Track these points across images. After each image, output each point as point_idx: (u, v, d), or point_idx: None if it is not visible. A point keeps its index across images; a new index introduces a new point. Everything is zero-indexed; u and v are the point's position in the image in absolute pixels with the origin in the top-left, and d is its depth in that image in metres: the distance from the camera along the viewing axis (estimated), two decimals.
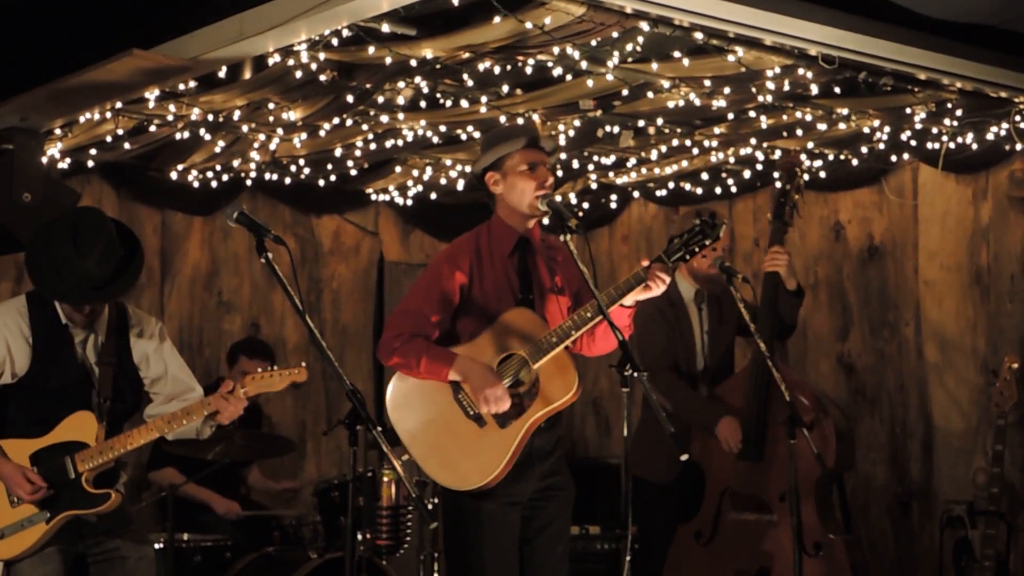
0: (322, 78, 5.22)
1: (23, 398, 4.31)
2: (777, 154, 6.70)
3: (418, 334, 4.25)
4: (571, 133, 6.28)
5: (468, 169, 7.10)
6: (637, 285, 4.18)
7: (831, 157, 6.89)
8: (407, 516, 6.21)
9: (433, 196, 7.94)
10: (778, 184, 5.64)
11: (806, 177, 7.02)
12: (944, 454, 6.81)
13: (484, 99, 5.66)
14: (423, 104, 5.83)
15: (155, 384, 4.48)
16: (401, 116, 5.93)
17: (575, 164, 7.14)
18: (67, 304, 4.29)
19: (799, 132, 6.29)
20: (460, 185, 7.56)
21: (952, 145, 6.41)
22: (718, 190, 7.49)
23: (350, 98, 5.48)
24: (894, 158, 6.85)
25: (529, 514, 4.34)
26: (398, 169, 7.23)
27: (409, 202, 7.98)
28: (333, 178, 7.36)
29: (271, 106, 5.70)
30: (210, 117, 5.80)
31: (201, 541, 6.14)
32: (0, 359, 4.27)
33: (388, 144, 6.52)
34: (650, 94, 5.64)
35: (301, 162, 7.00)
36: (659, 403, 4.03)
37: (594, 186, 7.77)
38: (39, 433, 4.29)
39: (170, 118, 5.82)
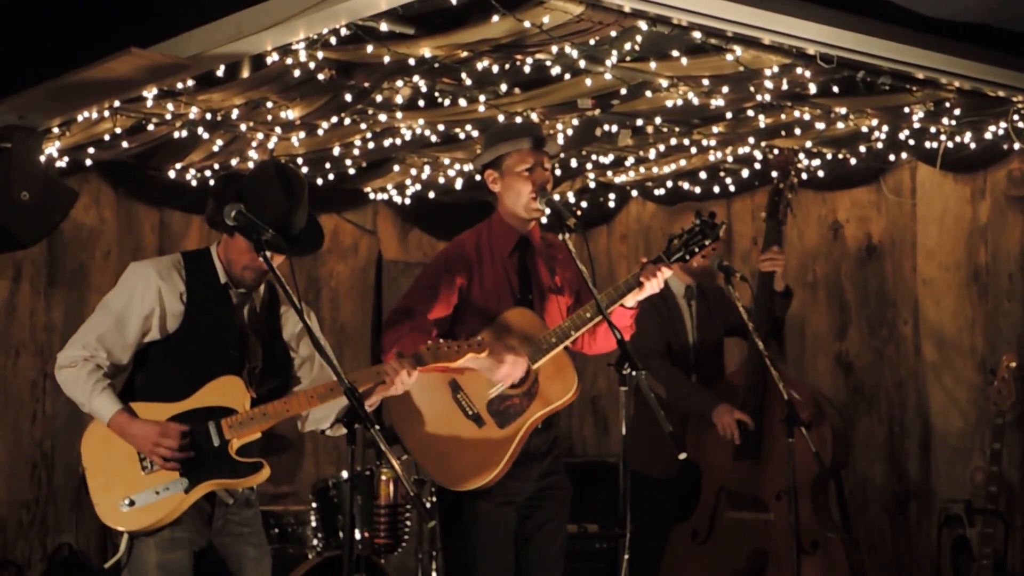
0: (320, 77, 5.22)
1: (168, 358, 3.96)
2: (774, 152, 6.71)
3: (415, 329, 4.23)
4: (569, 132, 6.28)
5: (467, 168, 7.10)
6: (636, 286, 4.17)
7: (829, 156, 6.89)
8: (405, 515, 6.19)
9: (431, 195, 7.94)
10: (773, 181, 5.66)
11: (804, 176, 7.05)
12: (942, 453, 6.81)
13: (482, 98, 5.66)
14: (421, 103, 5.83)
15: (302, 367, 4.14)
16: (399, 115, 5.93)
17: (573, 163, 7.13)
18: (269, 254, 3.78)
19: (797, 131, 6.29)
20: (458, 184, 7.55)
21: (950, 144, 6.41)
22: (716, 189, 7.48)
23: (348, 97, 5.48)
24: (892, 157, 6.85)
25: (526, 513, 4.34)
26: (396, 168, 7.23)
27: (407, 201, 7.98)
28: (331, 177, 7.35)
29: (269, 105, 5.70)
30: (208, 116, 5.80)
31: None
32: (149, 311, 3.91)
33: (386, 143, 6.51)
34: (648, 93, 5.64)
35: (299, 161, 6.98)
36: (655, 397, 4.01)
37: (592, 185, 7.77)
38: (180, 397, 3.91)
39: (168, 117, 5.82)
